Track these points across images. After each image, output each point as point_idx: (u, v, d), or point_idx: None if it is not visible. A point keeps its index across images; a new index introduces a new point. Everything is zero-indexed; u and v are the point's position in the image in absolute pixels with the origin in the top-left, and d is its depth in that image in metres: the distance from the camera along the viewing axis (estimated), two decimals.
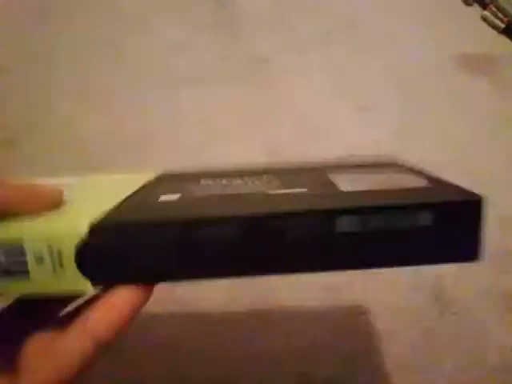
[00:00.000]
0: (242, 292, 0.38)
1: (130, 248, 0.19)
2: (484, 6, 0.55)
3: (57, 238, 0.18)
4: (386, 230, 0.19)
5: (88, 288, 0.19)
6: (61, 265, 0.19)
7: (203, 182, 0.26)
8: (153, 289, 0.20)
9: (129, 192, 0.23)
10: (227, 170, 0.29)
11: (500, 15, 0.53)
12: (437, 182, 0.23)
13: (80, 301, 0.21)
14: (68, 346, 0.18)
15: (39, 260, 0.18)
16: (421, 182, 0.23)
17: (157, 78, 0.51)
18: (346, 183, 0.23)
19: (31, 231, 0.18)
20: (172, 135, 0.47)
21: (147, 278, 0.19)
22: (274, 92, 0.50)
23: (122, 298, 0.19)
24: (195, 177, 0.27)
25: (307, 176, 0.26)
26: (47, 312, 0.22)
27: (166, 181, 0.27)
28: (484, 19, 0.55)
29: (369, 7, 0.56)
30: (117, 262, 0.19)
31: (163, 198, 0.22)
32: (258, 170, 0.28)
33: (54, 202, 0.20)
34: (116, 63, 0.52)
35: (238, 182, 0.25)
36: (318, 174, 0.26)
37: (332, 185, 0.23)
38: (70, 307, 0.22)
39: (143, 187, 0.25)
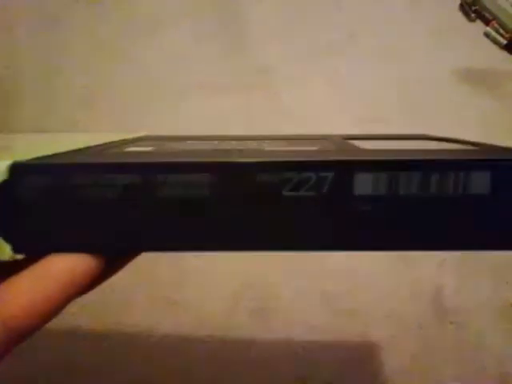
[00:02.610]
0: (244, 297, 0.38)
1: (64, 202, 0.14)
2: (487, 23, 0.56)
3: None
4: (422, 198, 0.14)
5: (6, 253, 0.14)
6: None
7: (190, 142, 0.21)
8: (103, 262, 0.15)
9: (90, 144, 0.19)
10: (227, 135, 0.24)
11: (502, 31, 0.54)
12: (490, 147, 0.17)
13: None
14: None
15: None
16: (467, 147, 0.17)
17: (164, 85, 0.52)
18: (369, 145, 0.18)
19: None
20: None
21: (89, 245, 0.14)
22: (276, 102, 0.51)
23: (52, 271, 0.14)
24: (184, 138, 0.22)
25: (320, 141, 0.21)
26: None
27: (145, 139, 0.22)
28: (486, 35, 0.56)
29: (371, 20, 0.57)
30: (46, 219, 0.14)
31: (129, 149, 0.17)
32: (262, 136, 0.23)
33: None
34: (124, 71, 0.53)
35: (233, 142, 0.20)
36: (334, 139, 0.21)
37: (351, 145, 0.18)
38: None
39: (110, 142, 0.20)
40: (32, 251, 0.15)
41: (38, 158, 0.14)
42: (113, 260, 0.16)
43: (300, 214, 0.14)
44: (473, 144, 0.19)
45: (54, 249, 0.14)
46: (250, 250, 0.14)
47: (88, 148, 0.18)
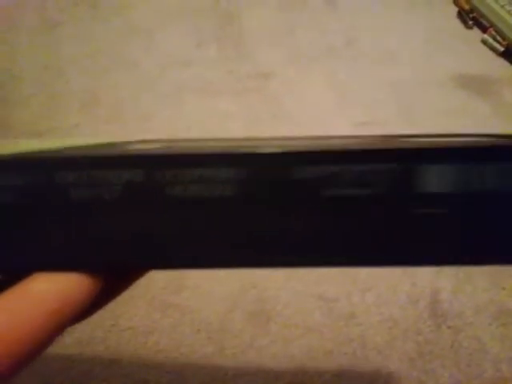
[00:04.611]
0: (241, 301, 0.38)
1: (49, 207, 0.11)
2: (484, 30, 0.57)
3: None
4: (501, 195, 0.11)
5: None
6: None
7: (203, 141, 0.17)
8: (100, 282, 0.12)
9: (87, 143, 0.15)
10: (245, 137, 0.21)
11: (499, 39, 0.55)
12: None
13: None
14: None
15: None
16: None
17: (163, 89, 0.52)
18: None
19: None
20: None
21: (81, 261, 0.11)
22: (276, 105, 0.51)
23: (34, 295, 0.11)
24: (198, 140, 0.19)
25: (359, 138, 0.17)
26: None
27: (153, 141, 0.19)
28: (484, 42, 0.56)
29: (371, 26, 0.58)
30: (27, 229, 0.11)
31: (133, 146, 0.14)
32: (288, 137, 0.19)
33: None
34: (124, 75, 0.53)
35: (255, 142, 0.17)
36: (373, 137, 0.18)
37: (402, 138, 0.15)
38: None
39: (110, 142, 0.17)
40: (9, 270, 0.11)
41: (16, 154, 0.11)
42: (113, 279, 0.13)
43: (348, 219, 0.11)
44: None
45: (37, 266, 0.11)
46: (282, 266, 0.11)
47: (83, 146, 0.14)
